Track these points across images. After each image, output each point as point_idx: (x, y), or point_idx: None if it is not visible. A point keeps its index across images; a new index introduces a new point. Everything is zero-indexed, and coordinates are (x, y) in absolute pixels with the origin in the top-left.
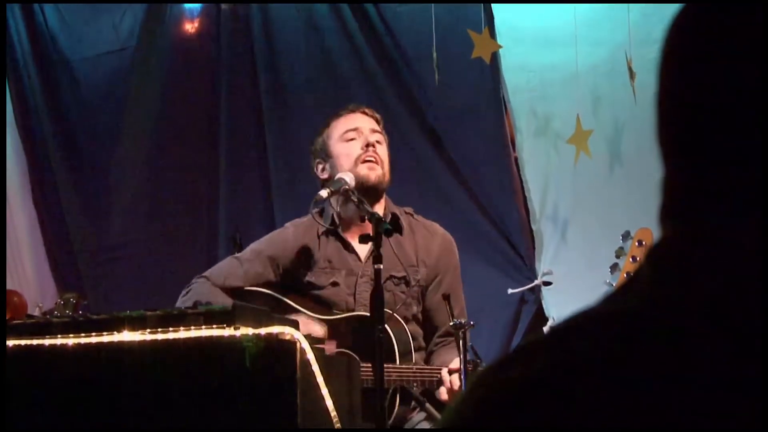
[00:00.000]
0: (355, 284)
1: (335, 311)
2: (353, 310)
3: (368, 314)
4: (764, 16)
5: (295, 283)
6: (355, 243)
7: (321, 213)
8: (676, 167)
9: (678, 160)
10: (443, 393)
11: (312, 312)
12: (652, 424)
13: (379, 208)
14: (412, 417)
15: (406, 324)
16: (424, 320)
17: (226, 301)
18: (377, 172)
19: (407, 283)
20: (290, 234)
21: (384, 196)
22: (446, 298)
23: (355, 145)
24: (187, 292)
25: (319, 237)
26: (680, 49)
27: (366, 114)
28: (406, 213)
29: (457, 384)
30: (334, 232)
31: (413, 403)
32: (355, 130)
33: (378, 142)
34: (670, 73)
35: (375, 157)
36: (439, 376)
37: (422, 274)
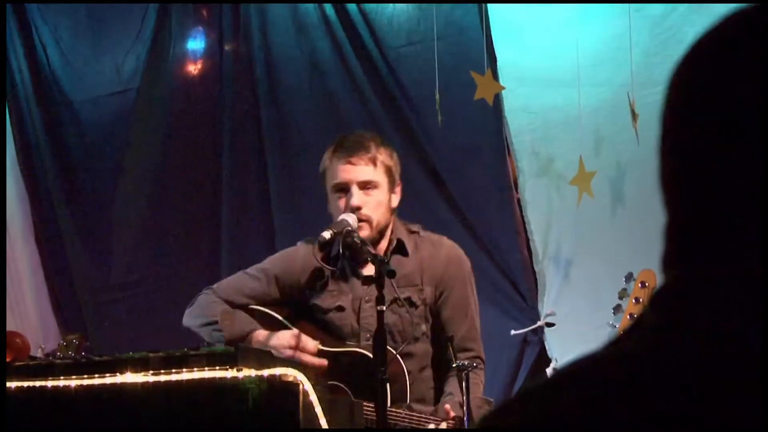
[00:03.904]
0: (359, 308)
1: (339, 336)
2: (358, 336)
3: (368, 353)
4: (765, 63)
5: (300, 304)
6: (362, 270)
7: (328, 249)
8: (679, 212)
9: (680, 205)
10: None
11: (313, 337)
12: None
13: (385, 239)
14: None
15: (415, 343)
16: (439, 336)
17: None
18: (363, 233)
19: (412, 304)
20: (300, 254)
21: (390, 225)
22: (450, 340)
23: (342, 203)
24: (192, 305)
25: (329, 260)
26: (683, 95)
27: (355, 162)
28: (412, 232)
29: None
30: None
31: None
32: (341, 186)
33: (368, 191)
34: (672, 118)
35: (360, 219)
36: (426, 424)
37: (427, 293)
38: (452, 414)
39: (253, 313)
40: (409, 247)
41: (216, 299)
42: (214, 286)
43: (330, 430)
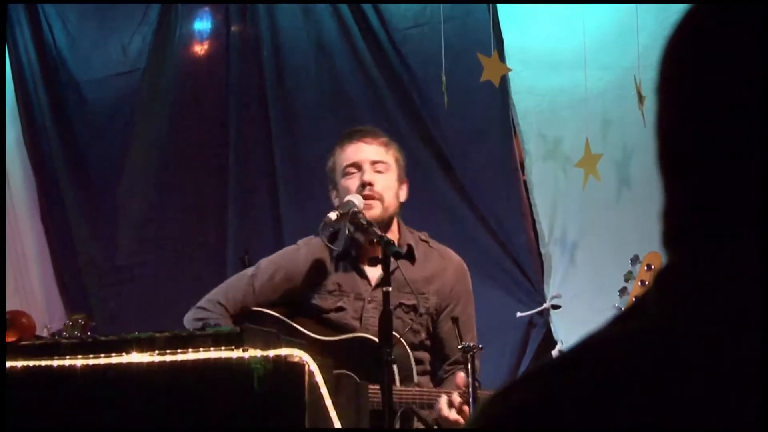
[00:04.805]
0: (362, 309)
1: (340, 335)
2: None
3: (370, 336)
4: (760, 40)
5: (302, 304)
6: (366, 268)
7: (335, 236)
8: (677, 192)
9: (678, 185)
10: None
11: (317, 334)
12: None
13: (392, 235)
14: None
15: (414, 350)
16: (435, 348)
17: None
18: (374, 211)
19: (417, 311)
20: (302, 255)
21: (397, 222)
22: (455, 321)
23: (354, 182)
24: (201, 319)
25: (331, 259)
26: (675, 74)
27: (368, 142)
28: (421, 240)
29: (453, 417)
30: (347, 255)
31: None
32: (354, 164)
33: (380, 171)
34: (666, 98)
35: (372, 195)
36: (437, 399)
37: (432, 303)
38: (462, 383)
39: (254, 316)
40: (418, 254)
41: (229, 319)
42: (221, 297)
43: (334, 430)
